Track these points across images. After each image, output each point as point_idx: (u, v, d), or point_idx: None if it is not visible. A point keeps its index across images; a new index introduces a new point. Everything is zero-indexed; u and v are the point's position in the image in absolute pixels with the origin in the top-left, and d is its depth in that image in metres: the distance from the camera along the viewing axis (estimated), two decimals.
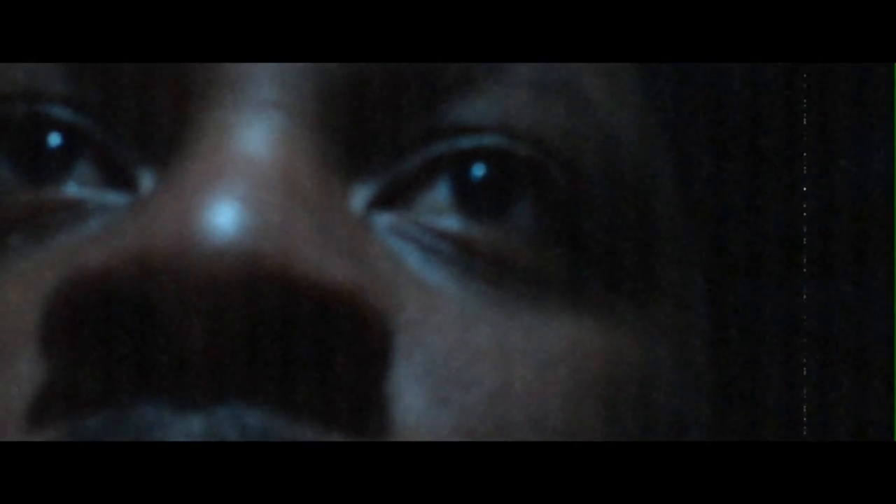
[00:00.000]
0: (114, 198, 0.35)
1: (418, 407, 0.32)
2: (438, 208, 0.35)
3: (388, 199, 0.35)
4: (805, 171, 0.42)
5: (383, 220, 0.35)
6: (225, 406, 0.31)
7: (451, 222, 0.35)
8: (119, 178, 0.35)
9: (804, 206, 0.42)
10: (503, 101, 0.36)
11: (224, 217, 0.31)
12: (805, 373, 0.43)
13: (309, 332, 0.31)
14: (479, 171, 0.35)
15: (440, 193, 0.35)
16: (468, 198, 0.35)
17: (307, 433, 0.31)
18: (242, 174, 0.32)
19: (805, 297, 0.43)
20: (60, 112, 0.36)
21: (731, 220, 0.42)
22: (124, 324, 0.31)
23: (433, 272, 0.34)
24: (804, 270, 0.42)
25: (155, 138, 0.35)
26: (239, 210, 0.31)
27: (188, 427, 0.30)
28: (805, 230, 0.42)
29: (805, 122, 0.42)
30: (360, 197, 0.35)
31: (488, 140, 0.35)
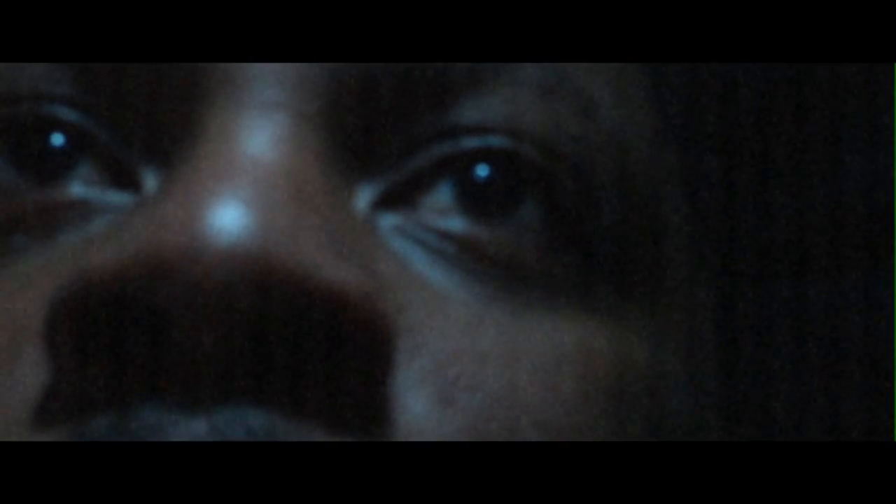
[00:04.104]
0: (118, 198, 0.35)
1: (423, 409, 0.32)
2: (443, 209, 0.35)
3: (393, 200, 0.35)
4: (812, 174, 0.42)
5: (388, 220, 0.35)
6: (229, 408, 0.31)
7: (456, 223, 0.35)
8: (123, 178, 0.35)
9: (812, 208, 0.42)
10: (509, 102, 0.36)
11: (230, 219, 0.31)
12: (804, 372, 0.43)
13: (314, 333, 0.31)
14: (484, 171, 0.35)
15: (445, 194, 0.35)
16: (473, 198, 0.35)
17: (312, 435, 0.31)
18: (248, 176, 0.32)
19: (808, 300, 0.43)
20: (65, 112, 0.36)
21: (739, 223, 0.42)
22: (130, 325, 0.31)
23: (438, 273, 0.34)
24: (810, 273, 0.43)
25: (159, 139, 0.35)
26: (245, 212, 0.31)
27: (193, 428, 0.30)
28: (812, 233, 0.42)
29: (812, 124, 0.42)
30: (365, 197, 0.35)
31: (494, 141, 0.35)
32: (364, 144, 0.35)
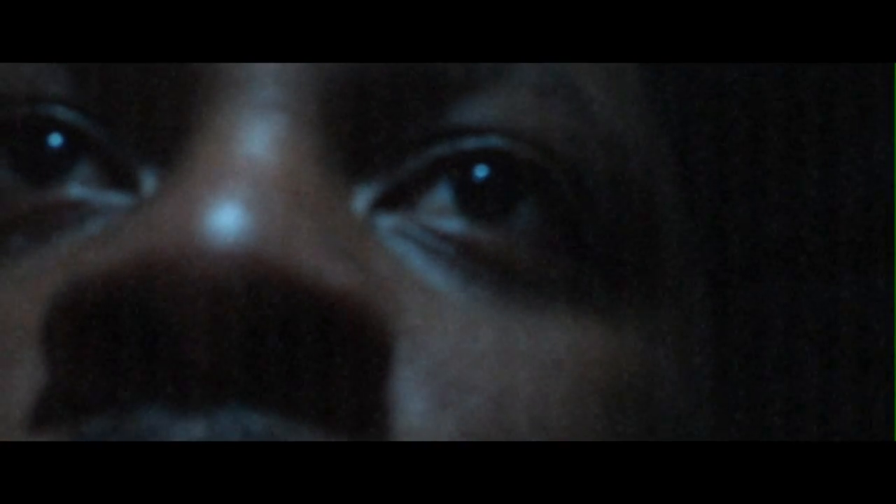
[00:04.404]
0: (116, 198, 0.35)
1: (420, 411, 0.32)
2: (441, 210, 0.35)
3: (391, 201, 0.35)
4: (806, 173, 0.42)
5: (386, 221, 0.35)
6: (227, 410, 0.31)
7: (454, 224, 0.35)
8: (121, 178, 0.35)
9: (806, 207, 0.42)
10: (506, 103, 0.36)
11: (226, 220, 0.30)
12: (805, 374, 0.43)
13: (310, 335, 0.31)
14: (481, 172, 0.35)
15: (443, 195, 0.35)
16: (471, 199, 0.35)
17: (309, 437, 0.31)
18: (245, 176, 0.32)
19: (806, 299, 0.43)
20: (62, 113, 0.36)
21: (734, 222, 0.42)
22: (126, 327, 0.31)
23: (436, 274, 0.34)
24: (805, 273, 0.42)
25: (157, 139, 0.35)
26: (241, 213, 0.31)
27: (190, 431, 0.30)
28: (806, 232, 0.42)
29: (806, 124, 0.42)
30: (362, 198, 0.35)
31: (491, 141, 0.35)
32: (362, 145, 0.35)
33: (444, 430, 0.32)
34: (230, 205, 0.31)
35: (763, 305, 0.43)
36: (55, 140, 0.36)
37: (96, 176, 0.35)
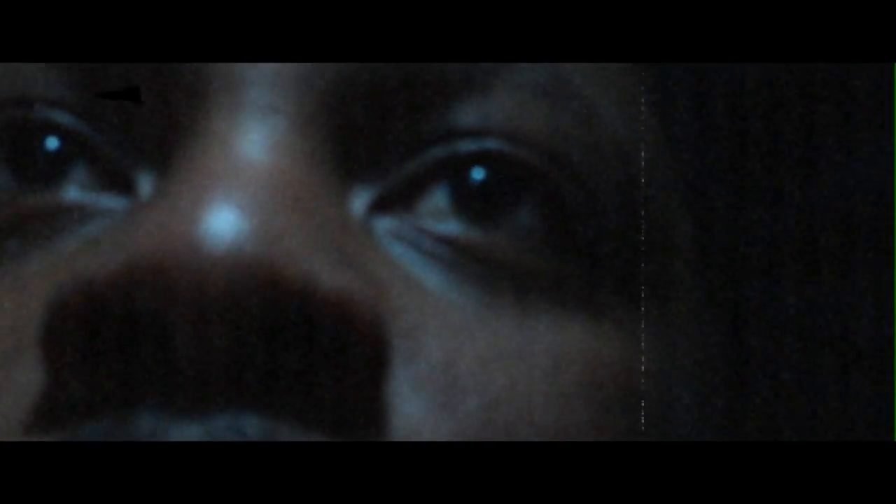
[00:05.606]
0: (112, 202, 0.35)
1: (418, 414, 0.32)
2: (439, 212, 0.35)
3: (389, 204, 0.35)
4: (818, 174, 0.42)
5: (384, 224, 0.35)
6: (225, 413, 0.31)
7: (452, 226, 0.35)
8: (118, 182, 0.35)
9: (818, 209, 0.42)
10: (507, 105, 0.36)
11: (222, 224, 0.31)
12: (804, 373, 0.43)
13: (309, 338, 0.31)
14: (478, 175, 0.35)
15: (440, 197, 0.35)
16: (468, 202, 0.35)
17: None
18: (240, 180, 0.32)
19: (803, 297, 0.43)
20: (58, 116, 0.36)
21: (745, 224, 0.42)
22: (125, 330, 0.31)
23: (434, 277, 0.34)
24: (813, 272, 0.42)
25: (153, 142, 0.35)
26: (237, 216, 0.31)
27: (187, 434, 0.30)
28: (804, 230, 0.42)
29: (816, 124, 0.42)
30: (359, 201, 0.35)
31: (490, 144, 0.35)
32: (360, 148, 0.35)
33: (442, 431, 0.32)
34: (226, 209, 0.31)
35: (770, 305, 0.43)
36: (52, 143, 0.36)
37: (93, 179, 0.35)
